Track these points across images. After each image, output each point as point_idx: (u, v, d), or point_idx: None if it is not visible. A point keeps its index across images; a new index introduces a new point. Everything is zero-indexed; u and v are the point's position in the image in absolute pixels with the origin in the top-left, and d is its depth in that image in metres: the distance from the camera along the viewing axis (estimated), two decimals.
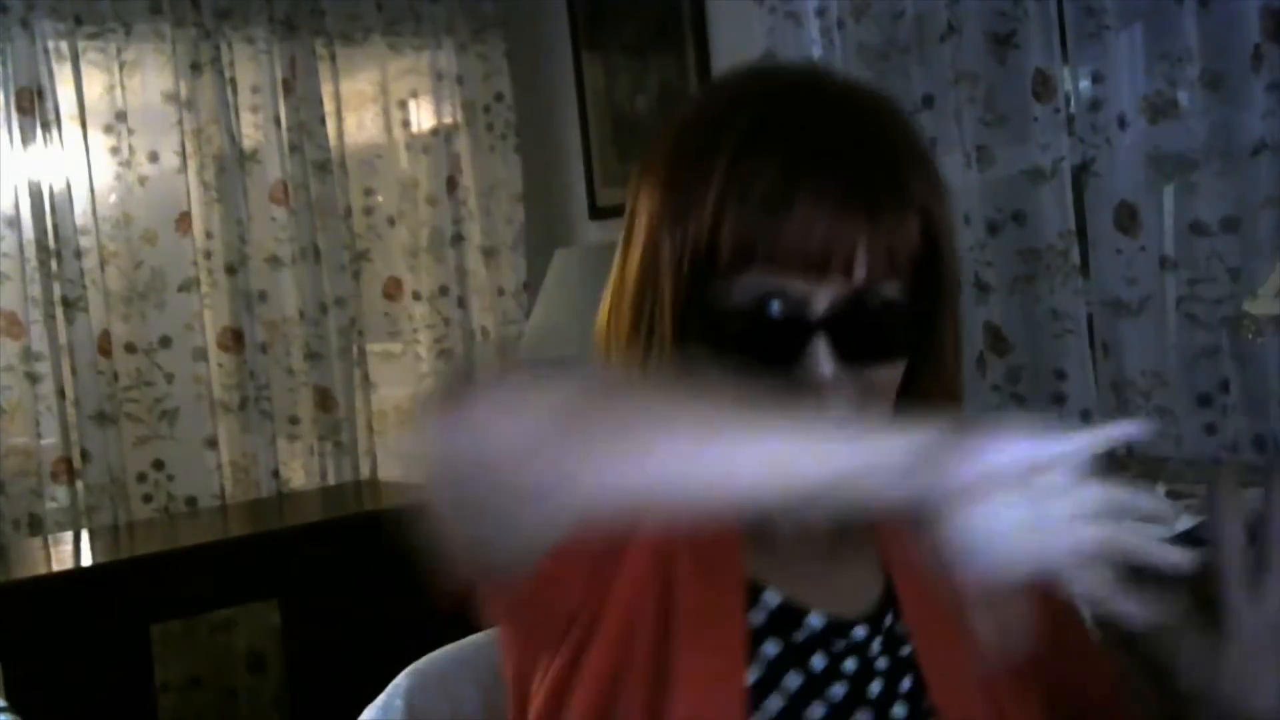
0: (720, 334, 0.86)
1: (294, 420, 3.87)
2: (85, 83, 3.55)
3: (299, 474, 3.90)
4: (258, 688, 3.57)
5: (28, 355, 3.44)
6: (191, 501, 3.69)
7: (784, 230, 0.83)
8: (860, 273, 0.84)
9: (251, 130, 3.80)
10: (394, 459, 4.16)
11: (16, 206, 3.45)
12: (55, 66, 3.48)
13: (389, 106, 4.13)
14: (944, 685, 0.93)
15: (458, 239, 4.11)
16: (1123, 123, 2.76)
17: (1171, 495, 2.20)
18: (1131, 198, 2.76)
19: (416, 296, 4.13)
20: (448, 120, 4.12)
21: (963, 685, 0.93)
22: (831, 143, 0.86)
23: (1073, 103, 2.86)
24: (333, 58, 3.92)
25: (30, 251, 3.44)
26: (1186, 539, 2.02)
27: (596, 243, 3.76)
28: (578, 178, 4.15)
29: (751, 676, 0.91)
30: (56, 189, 3.46)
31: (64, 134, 3.47)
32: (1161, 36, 2.68)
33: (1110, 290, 2.82)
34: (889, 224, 0.85)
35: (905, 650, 0.95)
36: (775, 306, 0.84)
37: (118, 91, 3.62)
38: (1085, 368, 2.89)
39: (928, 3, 3.07)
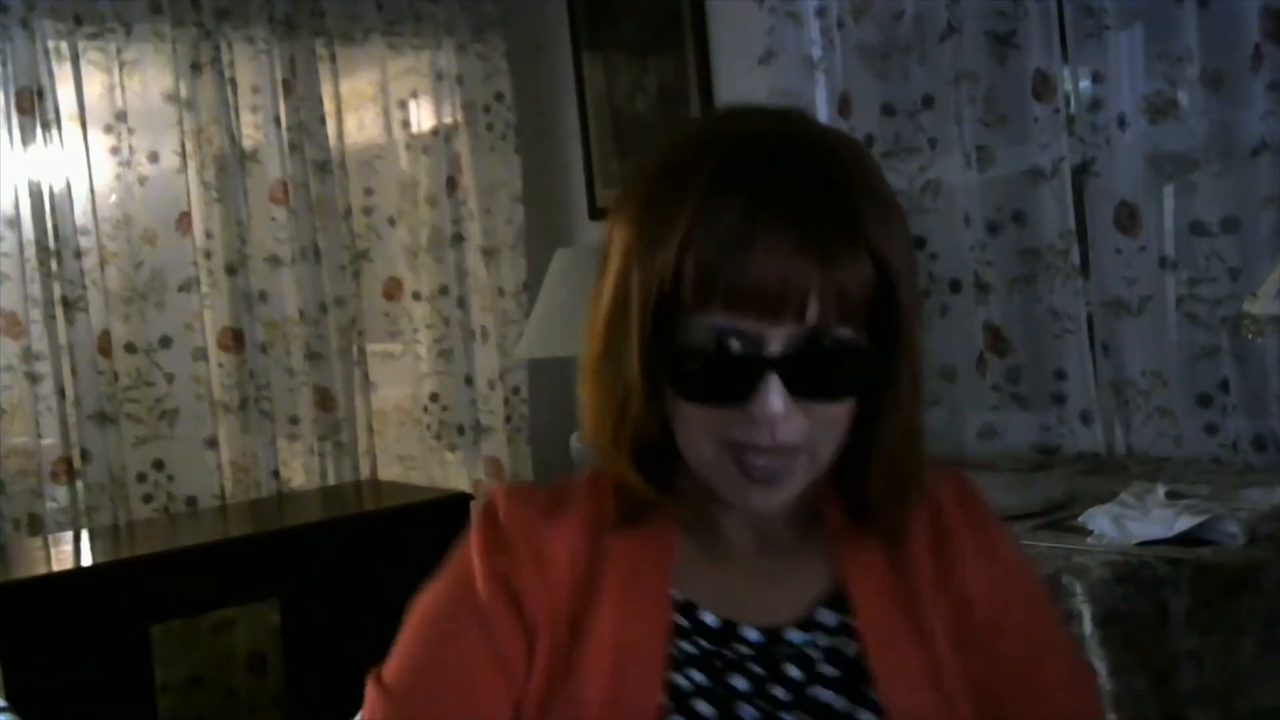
0: (681, 366, 0.93)
1: (294, 420, 3.87)
2: (85, 83, 3.55)
3: (299, 474, 3.90)
4: (258, 688, 3.57)
5: (28, 355, 3.44)
6: (191, 501, 3.69)
7: (742, 274, 0.89)
8: (813, 315, 0.90)
9: (251, 130, 3.80)
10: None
11: (16, 206, 3.45)
12: (55, 66, 3.48)
13: (389, 106, 4.13)
14: (891, 682, 0.98)
15: (458, 239, 4.11)
16: (1123, 123, 2.76)
17: (1171, 495, 2.20)
18: (1131, 198, 2.76)
19: (416, 296, 4.13)
20: (448, 120, 4.12)
21: (911, 681, 0.98)
22: (790, 190, 0.91)
23: (1073, 103, 2.86)
24: (333, 58, 3.92)
25: (30, 251, 3.44)
26: (1186, 539, 2.02)
27: (596, 243, 3.76)
28: (578, 178, 4.15)
29: (679, 687, 0.99)
30: (56, 189, 3.46)
31: (64, 134, 3.47)
32: (1161, 36, 2.68)
33: (1110, 290, 2.82)
34: (842, 269, 0.90)
35: (852, 649, 1.00)
36: (731, 344, 0.91)
37: (118, 91, 3.62)
38: (1085, 368, 2.90)
39: (928, 3, 3.07)
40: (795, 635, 1.01)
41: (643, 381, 0.94)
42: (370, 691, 1.01)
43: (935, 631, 1.01)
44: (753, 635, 1.01)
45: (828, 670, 1.00)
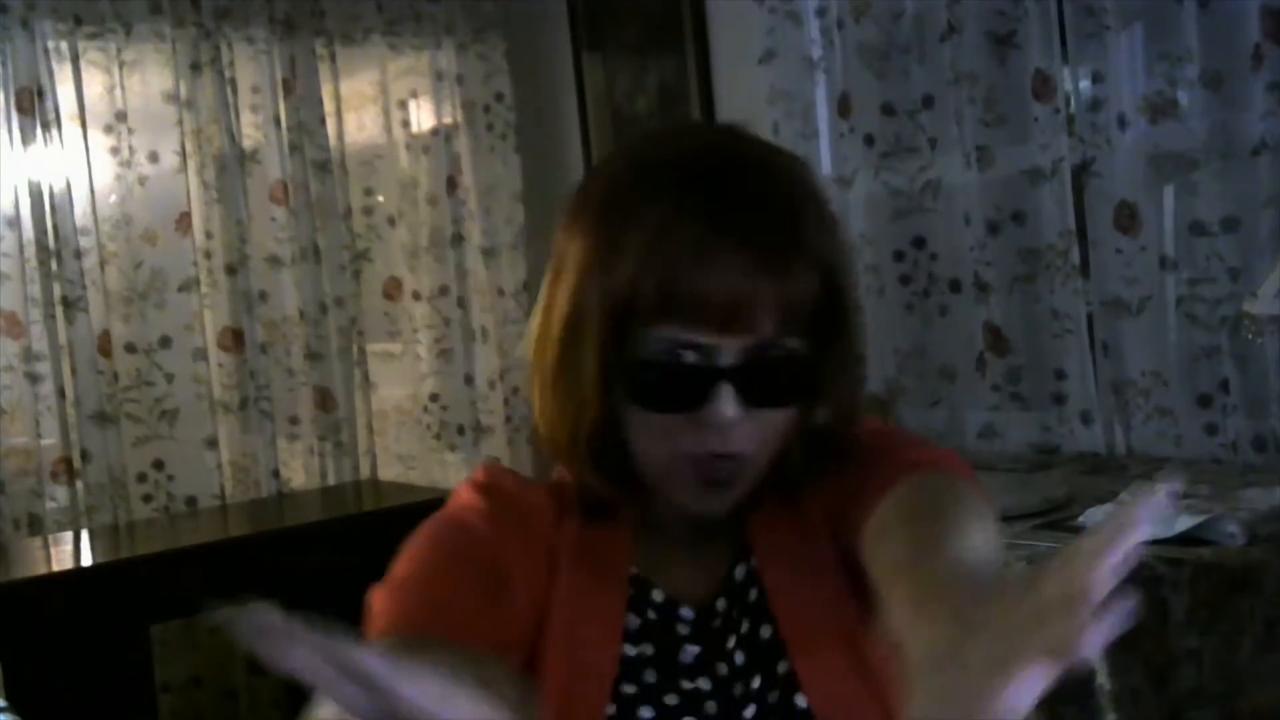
0: (638, 377, 0.97)
1: (294, 420, 3.87)
2: (85, 83, 3.55)
3: (299, 474, 3.90)
4: (258, 688, 3.57)
5: (28, 355, 3.44)
6: (191, 501, 3.69)
7: (698, 290, 0.94)
8: (764, 327, 0.95)
9: (251, 130, 3.80)
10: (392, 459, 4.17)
11: (16, 206, 3.45)
12: (55, 66, 3.48)
13: (389, 106, 4.13)
14: (795, 625, 1.03)
15: (458, 239, 4.11)
16: (1123, 123, 2.76)
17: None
18: (1131, 198, 2.76)
19: (416, 296, 4.13)
20: (448, 120, 4.12)
21: (815, 624, 1.02)
22: (741, 209, 0.96)
23: (1073, 103, 2.86)
24: (333, 58, 3.92)
25: (30, 251, 3.44)
26: (1186, 539, 2.02)
27: None
28: (577, 178, 4.12)
29: (629, 657, 1.02)
30: (56, 189, 3.46)
31: (64, 134, 3.47)
32: (1161, 36, 2.68)
33: (1110, 290, 2.82)
34: (791, 283, 0.96)
35: (759, 599, 1.05)
36: (687, 355, 0.95)
37: (118, 91, 3.62)
38: (1085, 368, 2.90)
39: (928, 3, 3.07)
40: (721, 603, 1.05)
41: (599, 390, 0.98)
42: (375, 595, 1.00)
43: (831, 563, 1.03)
44: (688, 613, 1.05)
45: (744, 627, 1.04)
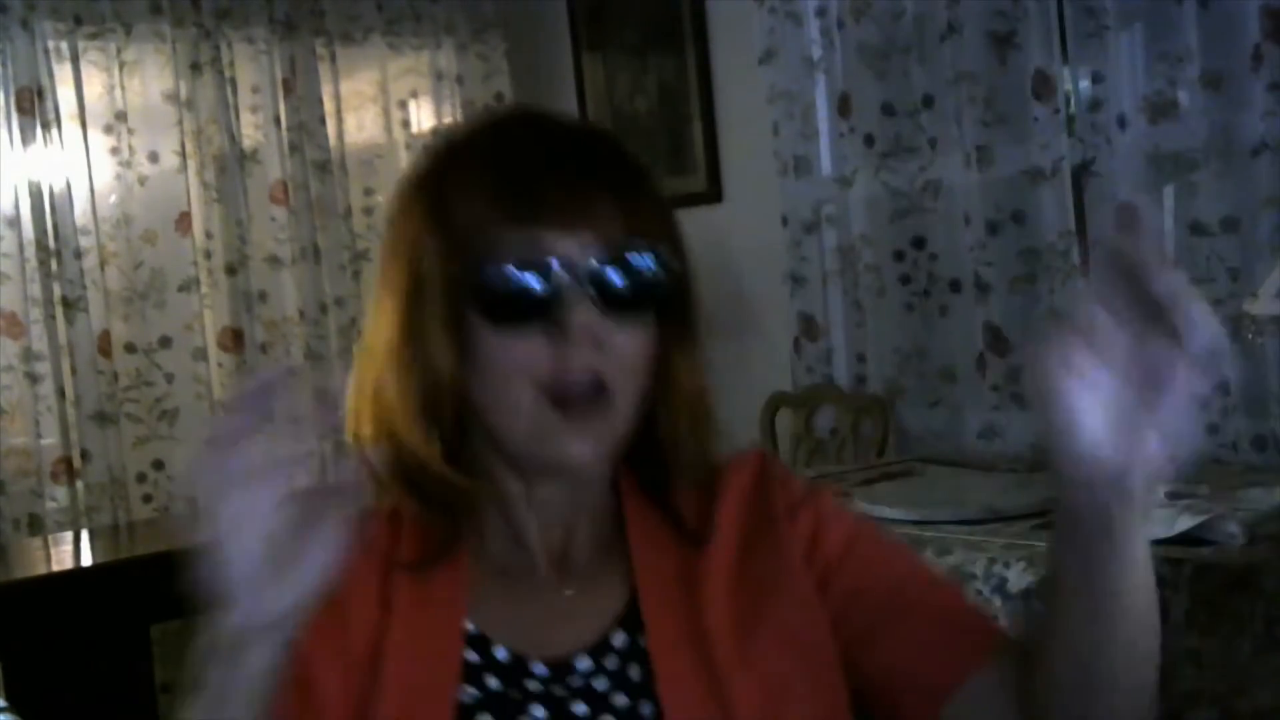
0: (488, 292, 0.92)
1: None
2: (85, 83, 3.55)
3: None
4: None
5: (28, 355, 3.44)
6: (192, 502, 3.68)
7: (537, 189, 0.92)
8: (610, 226, 0.93)
9: (251, 130, 3.81)
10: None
11: (16, 206, 3.45)
12: (55, 66, 3.48)
13: (389, 106, 4.13)
14: (674, 703, 0.93)
15: None
16: (1123, 123, 2.76)
17: (1171, 495, 2.20)
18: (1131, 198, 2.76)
19: None
20: (448, 120, 4.12)
21: (693, 699, 0.93)
22: (576, 139, 0.98)
23: (1073, 103, 2.86)
24: (333, 58, 3.92)
25: (30, 251, 3.44)
26: (1186, 539, 2.02)
27: None
28: None
29: None
30: (56, 189, 3.46)
31: (64, 134, 3.47)
32: (1161, 36, 2.68)
33: None
34: (634, 192, 0.95)
35: (638, 673, 0.95)
36: (539, 265, 0.91)
37: (118, 91, 3.62)
38: None
39: (928, 3, 3.07)
40: (583, 664, 0.96)
41: (450, 341, 0.93)
42: None
43: (723, 634, 0.95)
44: (540, 670, 0.95)
45: (619, 700, 0.94)
